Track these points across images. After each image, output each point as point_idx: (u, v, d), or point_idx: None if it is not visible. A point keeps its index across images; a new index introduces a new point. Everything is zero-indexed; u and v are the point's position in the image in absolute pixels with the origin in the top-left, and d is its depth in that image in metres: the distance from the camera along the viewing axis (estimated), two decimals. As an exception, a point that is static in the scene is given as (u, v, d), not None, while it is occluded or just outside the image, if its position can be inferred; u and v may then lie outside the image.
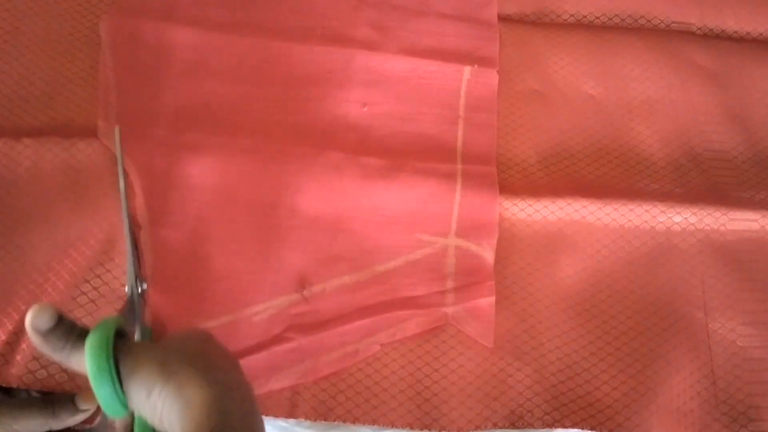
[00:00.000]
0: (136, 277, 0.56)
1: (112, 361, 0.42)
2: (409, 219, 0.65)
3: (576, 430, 0.59)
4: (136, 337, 0.55)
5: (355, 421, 0.58)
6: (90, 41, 0.70)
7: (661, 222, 0.66)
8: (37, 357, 0.57)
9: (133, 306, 0.55)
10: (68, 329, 0.44)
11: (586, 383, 0.60)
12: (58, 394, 0.56)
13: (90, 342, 0.43)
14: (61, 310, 0.44)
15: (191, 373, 0.42)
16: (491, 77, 0.71)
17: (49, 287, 0.59)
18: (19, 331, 0.58)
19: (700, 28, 0.78)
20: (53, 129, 0.65)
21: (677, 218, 0.66)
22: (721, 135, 0.71)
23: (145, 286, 0.57)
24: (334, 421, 0.58)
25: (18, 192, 0.63)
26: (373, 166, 0.65)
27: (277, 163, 0.64)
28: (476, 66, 0.71)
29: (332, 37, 0.71)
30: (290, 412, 0.58)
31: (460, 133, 0.69)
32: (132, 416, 0.45)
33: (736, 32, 0.78)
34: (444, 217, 0.65)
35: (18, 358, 0.57)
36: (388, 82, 0.70)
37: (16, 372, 0.57)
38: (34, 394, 0.58)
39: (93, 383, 0.42)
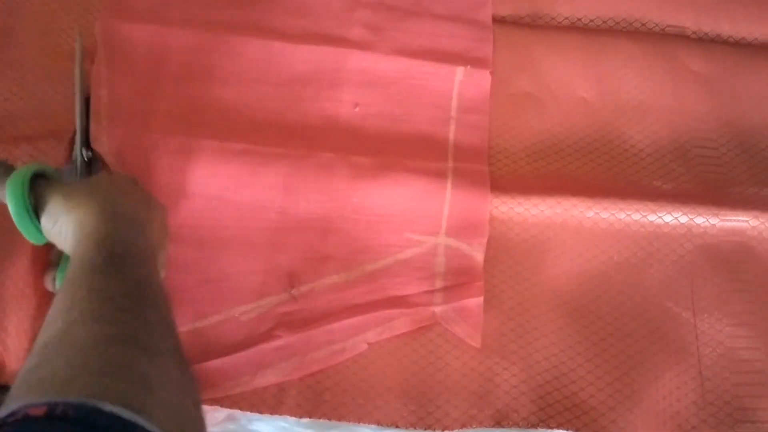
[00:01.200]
0: (82, 144, 0.62)
1: (27, 195, 0.51)
2: (399, 218, 0.65)
3: (561, 431, 0.58)
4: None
5: (341, 418, 0.58)
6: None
7: (651, 222, 0.65)
8: None
9: (75, 168, 0.61)
10: None
11: (572, 384, 0.60)
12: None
13: (11, 179, 0.51)
14: None
15: (89, 202, 0.50)
16: (484, 78, 0.71)
17: (33, 285, 0.59)
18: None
19: (695, 32, 0.77)
20: (48, 133, 0.65)
21: (667, 218, 0.65)
22: (713, 140, 0.71)
23: (90, 153, 0.62)
24: (320, 418, 0.58)
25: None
26: (364, 166, 0.65)
27: (268, 165, 0.64)
28: (469, 67, 0.71)
29: (326, 37, 0.71)
30: (276, 408, 0.58)
31: (451, 134, 0.69)
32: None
33: (731, 36, 0.78)
34: (434, 215, 0.65)
35: None
36: (381, 83, 0.70)
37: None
38: None
39: (12, 214, 0.51)
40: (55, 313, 0.42)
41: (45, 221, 0.51)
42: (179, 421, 0.38)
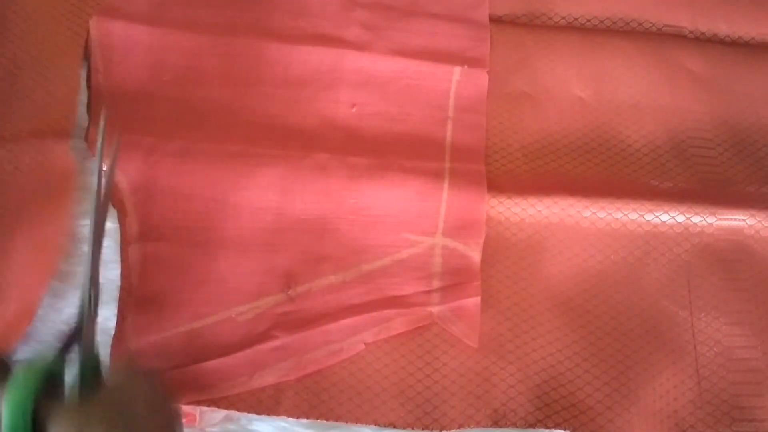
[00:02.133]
0: (89, 300, 0.51)
1: (29, 421, 0.41)
2: (396, 218, 0.64)
3: (558, 431, 0.58)
4: (78, 367, 0.49)
5: (338, 419, 0.58)
6: (75, 41, 0.69)
7: (648, 221, 0.65)
8: None
9: (80, 331, 0.50)
10: None
11: (569, 383, 0.60)
12: None
13: (9, 399, 0.40)
14: None
15: None
16: (481, 78, 0.71)
17: (20, 283, 0.59)
18: None
19: (691, 32, 0.77)
20: (31, 131, 0.64)
21: (664, 217, 0.65)
22: (710, 139, 0.71)
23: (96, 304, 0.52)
24: (317, 419, 0.58)
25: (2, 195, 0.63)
26: (360, 166, 0.65)
27: (264, 167, 0.64)
28: (466, 67, 0.71)
29: (322, 37, 0.71)
30: (273, 409, 0.58)
31: (448, 134, 0.69)
32: None
33: (728, 36, 0.78)
34: (431, 216, 0.65)
35: None
36: (378, 83, 0.70)
37: None
38: None
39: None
40: None
41: None
42: None
